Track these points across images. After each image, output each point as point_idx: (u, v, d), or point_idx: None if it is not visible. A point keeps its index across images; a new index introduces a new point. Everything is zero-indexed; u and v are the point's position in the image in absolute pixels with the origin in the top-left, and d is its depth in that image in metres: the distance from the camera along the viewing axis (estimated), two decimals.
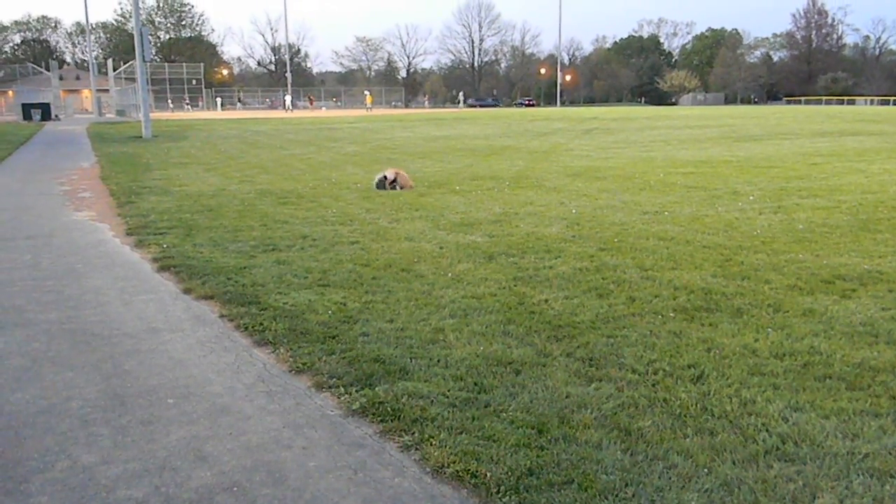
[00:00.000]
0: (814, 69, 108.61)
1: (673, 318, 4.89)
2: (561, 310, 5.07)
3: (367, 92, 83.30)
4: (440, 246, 7.22)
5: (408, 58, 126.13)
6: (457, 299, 5.34)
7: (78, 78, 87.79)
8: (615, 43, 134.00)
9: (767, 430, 3.34)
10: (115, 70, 61.56)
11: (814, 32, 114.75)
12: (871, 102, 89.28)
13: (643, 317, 4.91)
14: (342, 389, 3.81)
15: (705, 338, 4.49)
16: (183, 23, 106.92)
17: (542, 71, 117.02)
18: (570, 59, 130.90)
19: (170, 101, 77.00)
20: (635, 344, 4.41)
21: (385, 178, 11.49)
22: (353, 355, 4.24)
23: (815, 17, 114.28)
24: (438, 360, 4.17)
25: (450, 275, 6.06)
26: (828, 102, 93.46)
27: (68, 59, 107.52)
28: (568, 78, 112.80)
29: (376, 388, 3.79)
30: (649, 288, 5.60)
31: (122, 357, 4.37)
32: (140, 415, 3.61)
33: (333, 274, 6.12)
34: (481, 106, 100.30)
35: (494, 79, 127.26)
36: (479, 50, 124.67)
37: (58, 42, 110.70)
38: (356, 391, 3.78)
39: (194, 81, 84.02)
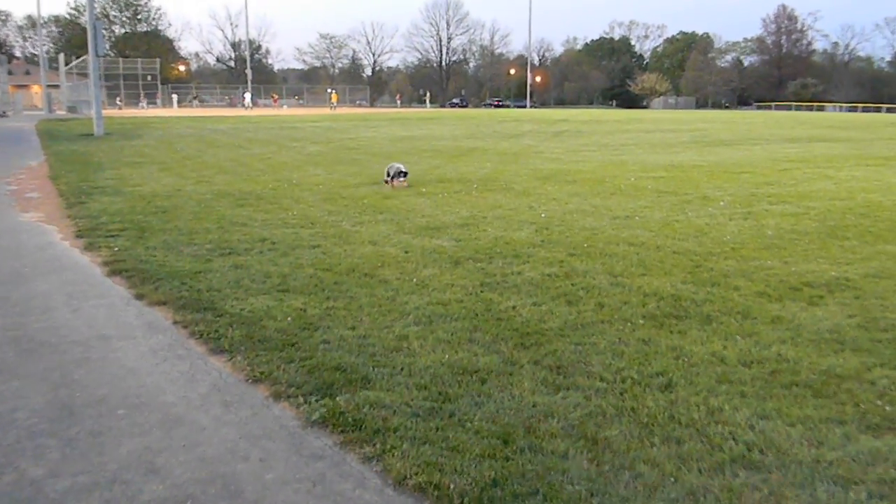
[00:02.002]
0: (784, 74, 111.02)
1: (642, 325, 4.95)
2: (529, 317, 5.11)
3: (331, 90, 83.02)
4: (405, 250, 7.22)
5: (373, 56, 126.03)
6: (422, 306, 5.34)
7: (28, 73, 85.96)
8: (586, 44, 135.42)
9: (734, 439, 3.40)
10: (66, 65, 60.38)
11: (784, 38, 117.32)
12: (840, 109, 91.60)
13: (612, 324, 4.96)
14: (301, 399, 3.79)
15: (674, 345, 4.56)
16: (139, 17, 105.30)
17: (512, 71, 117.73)
18: (540, 60, 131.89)
19: (119, 99, 75.60)
20: (604, 352, 4.46)
21: (400, 173, 11.90)
22: (313, 364, 4.22)
23: (785, 22, 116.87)
24: (402, 369, 4.16)
25: (415, 280, 6.06)
26: (797, 108, 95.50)
27: (18, 53, 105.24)
28: (538, 79, 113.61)
29: (337, 398, 3.78)
30: (619, 294, 5.66)
31: (71, 366, 4.29)
32: (90, 426, 3.54)
33: (293, 279, 6.09)
34: (451, 106, 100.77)
35: (463, 78, 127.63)
36: (447, 49, 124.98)
37: (7, 36, 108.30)
38: (316, 401, 3.76)
39: (150, 77, 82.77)
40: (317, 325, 4.90)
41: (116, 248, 7.29)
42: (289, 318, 5.03)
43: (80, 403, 3.79)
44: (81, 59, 56.17)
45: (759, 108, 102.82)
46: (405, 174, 12.09)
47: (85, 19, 60.86)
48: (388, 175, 12.17)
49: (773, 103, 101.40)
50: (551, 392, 3.89)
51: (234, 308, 5.28)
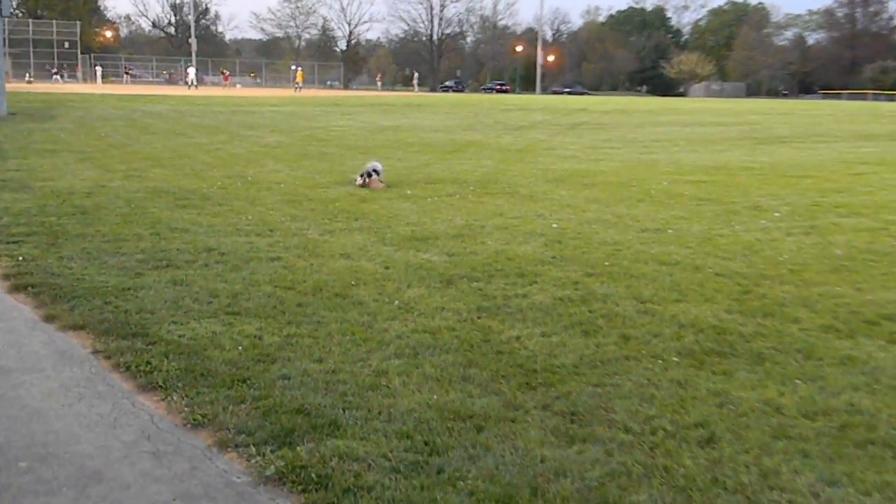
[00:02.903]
0: (858, 56, 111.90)
1: (677, 363, 4.95)
2: (536, 350, 5.10)
3: (295, 67, 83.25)
4: (385, 266, 7.22)
5: (349, 26, 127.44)
6: (405, 334, 5.34)
7: None
8: (611, 16, 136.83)
9: None
10: None
11: (858, 11, 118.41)
12: None
13: (639, 361, 4.96)
14: (253, 449, 3.77)
15: (717, 390, 4.57)
16: None
17: (519, 49, 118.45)
18: (553, 35, 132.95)
19: (28, 73, 75.50)
20: (629, 395, 4.46)
21: (370, 172, 12.10)
22: (270, 404, 4.21)
23: None
24: (380, 412, 4.16)
25: (397, 303, 6.06)
26: (876, 98, 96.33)
27: None
28: (551, 58, 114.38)
29: (298, 448, 3.76)
30: (647, 325, 5.67)
31: None
32: None
33: (246, 298, 6.07)
34: (444, 90, 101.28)
35: (459, 56, 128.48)
36: (440, 19, 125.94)
37: None
38: (271, 451, 3.74)
39: (67, 45, 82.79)
40: (275, 357, 4.88)
41: (21, 258, 7.24)
42: (240, 348, 5.01)
43: None
44: None
45: (825, 96, 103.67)
46: (376, 172, 12.16)
47: None
48: (363, 175, 12.19)
49: (843, 91, 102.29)
50: (564, 445, 3.88)
51: (170, 334, 5.25)
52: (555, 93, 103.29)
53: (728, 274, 7.20)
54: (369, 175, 12.12)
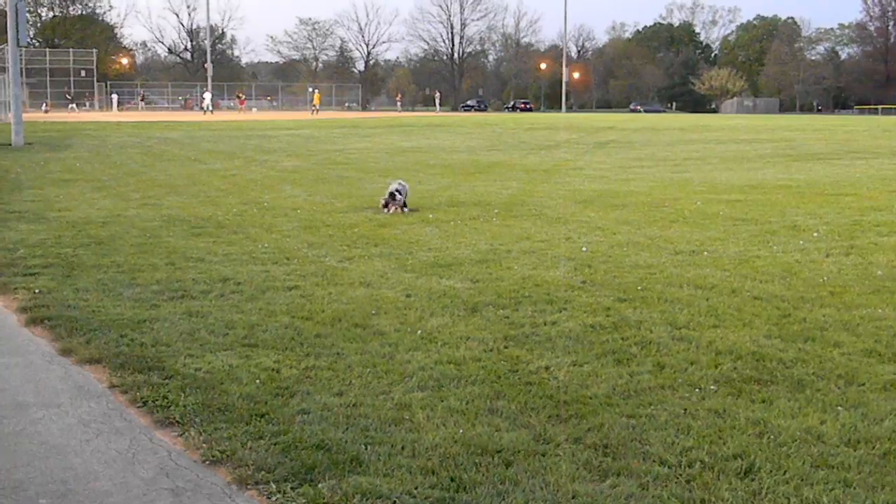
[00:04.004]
0: (893, 71, 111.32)
1: (714, 392, 4.91)
2: (566, 380, 5.08)
3: (312, 89, 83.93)
4: (407, 293, 7.22)
5: (367, 46, 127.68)
6: (428, 365, 5.33)
7: None
8: (637, 32, 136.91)
9: None
10: None
11: (892, 24, 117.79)
12: None
13: (675, 390, 4.94)
14: (273, 486, 3.76)
15: (756, 419, 4.52)
16: None
17: (543, 66, 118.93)
18: (578, 52, 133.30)
19: (46, 102, 76.47)
20: (665, 426, 4.42)
21: (393, 194, 12.02)
22: (289, 440, 4.20)
23: (893, 3, 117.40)
24: (403, 448, 4.14)
25: (419, 332, 6.05)
26: None
27: None
28: (576, 76, 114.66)
29: (319, 485, 3.75)
30: (683, 352, 5.64)
31: None
32: None
33: (263, 330, 6.09)
34: (466, 109, 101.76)
35: (481, 75, 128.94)
36: (461, 38, 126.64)
37: None
38: (292, 489, 3.74)
39: (84, 73, 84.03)
40: (293, 391, 4.88)
41: (37, 290, 7.32)
42: (257, 381, 5.02)
43: None
44: None
45: (861, 112, 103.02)
46: (398, 193, 12.08)
47: (3, 0, 61.94)
48: (390, 199, 12.10)
49: (879, 106, 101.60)
50: (596, 479, 3.85)
51: (186, 368, 5.27)
52: (511, 109, 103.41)
53: (766, 297, 7.14)
54: (392, 197, 12.06)
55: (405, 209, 12.09)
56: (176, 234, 10.21)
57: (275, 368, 5.26)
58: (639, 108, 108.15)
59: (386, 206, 12.10)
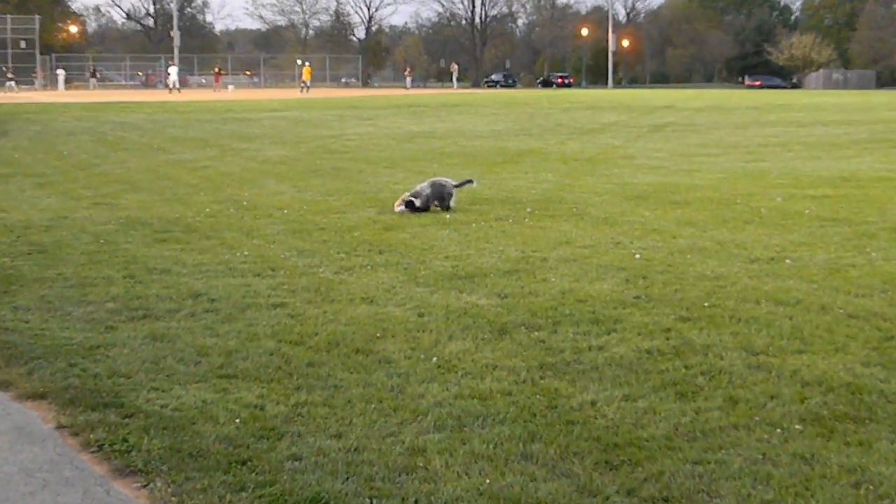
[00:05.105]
0: None
1: (800, 432, 4.87)
2: (617, 418, 5.05)
3: (302, 62, 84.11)
4: (419, 312, 7.20)
5: (368, 9, 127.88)
6: (446, 401, 5.30)
7: None
8: None
9: None
10: None
11: None
12: None
13: (752, 430, 4.90)
14: None
15: (852, 465, 4.48)
16: None
17: (585, 32, 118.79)
18: (628, 15, 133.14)
19: None
20: (739, 475, 4.39)
21: (416, 198, 11.94)
22: (277, 492, 4.20)
23: None
24: (416, 502, 4.13)
25: (435, 360, 6.03)
26: None
27: None
28: (626, 44, 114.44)
29: None
30: (761, 383, 5.59)
31: None
32: None
33: (243, 357, 6.08)
34: (490, 85, 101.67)
35: (508, 43, 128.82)
36: None
37: None
38: None
39: (24, 44, 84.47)
40: (281, 432, 4.87)
41: None
42: (237, 421, 5.01)
43: None
44: None
45: None
46: (416, 199, 11.95)
47: None
48: (408, 207, 11.95)
49: None
50: None
51: (150, 404, 5.26)
52: (544, 84, 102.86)
53: (864, 315, 7.08)
54: (411, 205, 11.89)
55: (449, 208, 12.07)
56: (136, 240, 10.21)
57: (258, 405, 5.24)
58: (757, 82, 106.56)
59: (407, 207, 11.97)
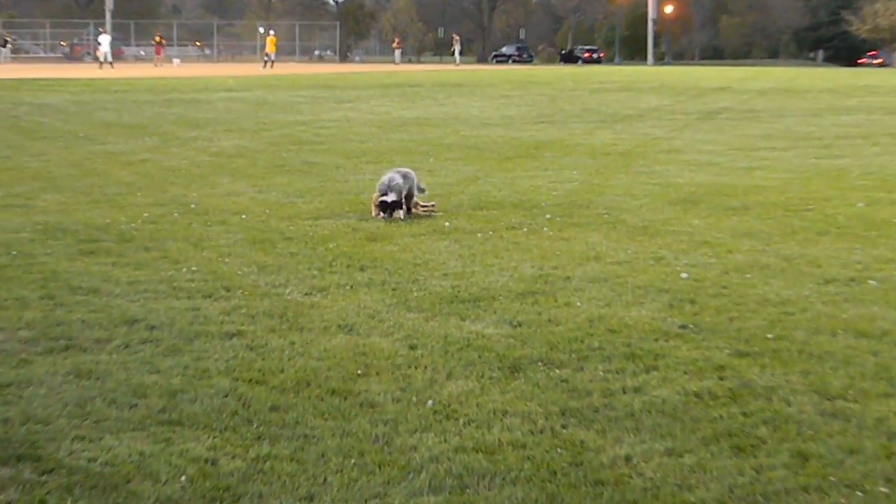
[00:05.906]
0: None
1: (886, 495, 4.88)
2: (658, 478, 5.05)
3: (264, 31, 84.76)
4: (411, 343, 7.20)
5: None
6: (444, 454, 5.29)
7: None
8: None
9: None
10: None
11: None
12: None
13: (826, 494, 4.90)
14: None
15: None
16: None
17: None
18: None
19: None
20: None
21: (387, 193, 11.73)
22: None
23: None
24: None
25: (430, 404, 6.03)
26: None
27: None
28: (669, 10, 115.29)
29: None
30: (839, 435, 5.59)
31: None
32: None
33: (191, 399, 6.08)
34: (499, 60, 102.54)
35: (522, 10, 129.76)
36: None
37: None
38: None
39: None
40: (238, 493, 4.87)
41: None
42: (182, 479, 5.00)
43: None
44: None
45: None
46: (390, 194, 11.76)
47: None
48: (382, 209, 11.84)
49: None
50: None
51: (75, 457, 5.25)
52: (566, 59, 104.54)
53: None
54: (385, 207, 11.76)
55: (405, 214, 12.03)
56: (56, 252, 10.19)
57: (209, 459, 5.24)
58: (879, 59, 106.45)
59: (384, 212, 11.87)
